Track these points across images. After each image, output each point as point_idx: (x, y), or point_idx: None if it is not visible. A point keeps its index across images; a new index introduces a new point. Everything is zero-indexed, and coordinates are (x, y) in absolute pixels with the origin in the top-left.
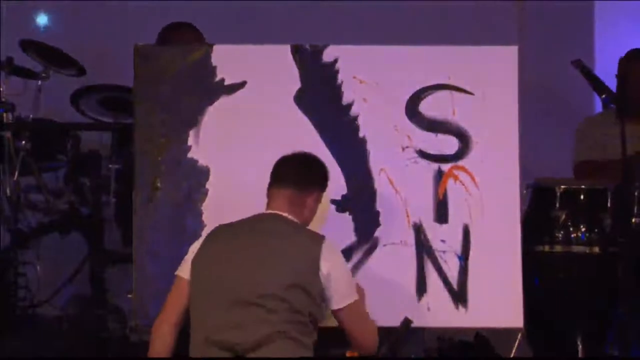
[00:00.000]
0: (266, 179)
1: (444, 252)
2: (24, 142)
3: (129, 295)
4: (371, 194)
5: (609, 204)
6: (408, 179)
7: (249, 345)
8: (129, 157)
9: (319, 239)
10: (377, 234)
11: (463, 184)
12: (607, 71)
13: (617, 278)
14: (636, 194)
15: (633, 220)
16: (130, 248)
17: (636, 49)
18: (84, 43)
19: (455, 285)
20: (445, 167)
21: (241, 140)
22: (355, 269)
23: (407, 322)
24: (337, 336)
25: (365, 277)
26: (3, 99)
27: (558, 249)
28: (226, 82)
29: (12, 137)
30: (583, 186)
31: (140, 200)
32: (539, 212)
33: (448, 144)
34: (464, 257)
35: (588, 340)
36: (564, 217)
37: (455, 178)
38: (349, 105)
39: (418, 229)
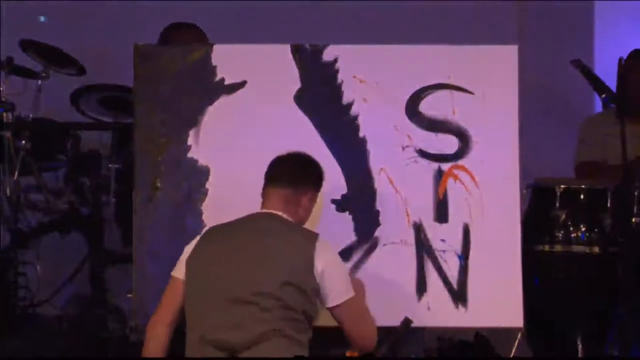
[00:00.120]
0: None
1: (444, 251)
2: (24, 141)
3: (129, 295)
4: (371, 193)
5: (609, 204)
6: (408, 179)
7: (244, 344)
8: (129, 157)
9: (312, 237)
10: (377, 233)
11: (463, 184)
12: (607, 71)
13: (617, 278)
14: (636, 194)
15: (633, 220)
16: (130, 248)
17: (638, 50)
18: (84, 43)
19: (455, 285)
20: (445, 166)
21: (241, 140)
22: (355, 268)
23: (407, 321)
24: (337, 336)
25: (365, 276)
26: (3, 99)
27: (558, 248)
28: (226, 82)
29: (12, 137)
30: (583, 186)
31: (140, 200)
32: (539, 212)
33: (448, 144)
34: (464, 256)
35: (588, 340)
36: (564, 217)
37: (455, 177)
38: (349, 105)
39: (418, 229)
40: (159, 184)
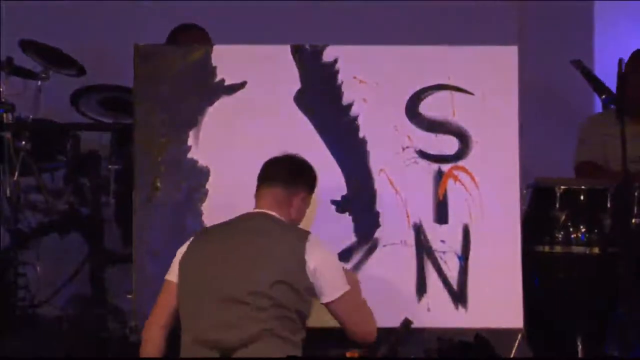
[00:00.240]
0: None
1: (444, 252)
2: (24, 142)
3: (129, 296)
4: (371, 194)
5: (608, 204)
6: (408, 180)
7: (237, 344)
8: (129, 157)
9: (304, 235)
10: (377, 234)
11: (463, 184)
12: (607, 71)
13: (617, 278)
14: (636, 194)
15: (633, 220)
16: (130, 248)
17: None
18: (84, 43)
19: (455, 286)
20: (445, 167)
21: (241, 140)
22: (355, 269)
23: (407, 322)
24: (337, 336)
25: (365, 277)
26: (3, 99)
27: (558, 249)
28: (226, 83)
29: (12, 138)
30: (583, 186)
31: (140, 200)
32: (539, 212)
33: (448, 144)
34: (463, 257)
35: (588, 340)
36: (564, 217)
37: (455, 178)
38: (349, 106)
39: (418, 230)
40: (159, 184)
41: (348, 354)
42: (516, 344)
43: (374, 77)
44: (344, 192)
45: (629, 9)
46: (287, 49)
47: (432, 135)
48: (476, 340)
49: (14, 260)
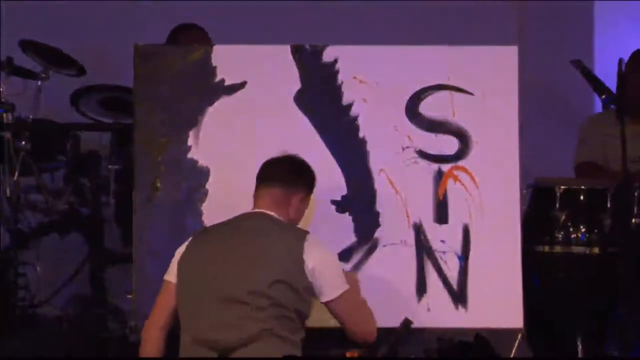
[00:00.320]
0: None
1: (444, 252)
2: (24, 142)
3: (129, 296)
4: (371, 194)
5: (608, 204)
6: (408, 180)
7: (235, 344)
8: (129, 157)
9: (302, 235)
10: (377, 234)
11: (463, 184)
12: (607, 71)
13: (617, 278)
14: (636, 194)
15: (633, 220)
16: (130, 248)
17: None
18: (84, 43)
19: (455, 286)
20: (445, 167)
21: (241, 140)
22: (355, 269)
23: (407, 322)
24: (337, 336)
25: (365, 277)
26: (3, 99)
27: (558, 249)
28: (226, 83)
29: (12, 138)
30: (583, 186)
31: (140, 200)
32: (539, 212)
33: (448, 144)
34: (463, 257)
35: (588, 340)
36: (564, 217)
37: (455, 178)
38: (349, 106)
39: (418, 230)
40: (159, 184)
41: (348, 354)
42: (516, 344)
43: (374, 77)
44: (344, 192)
45: (629, 9)
46: (287, 49)
47: (432, 135)
48: (476, 340)
49: (14, 260)
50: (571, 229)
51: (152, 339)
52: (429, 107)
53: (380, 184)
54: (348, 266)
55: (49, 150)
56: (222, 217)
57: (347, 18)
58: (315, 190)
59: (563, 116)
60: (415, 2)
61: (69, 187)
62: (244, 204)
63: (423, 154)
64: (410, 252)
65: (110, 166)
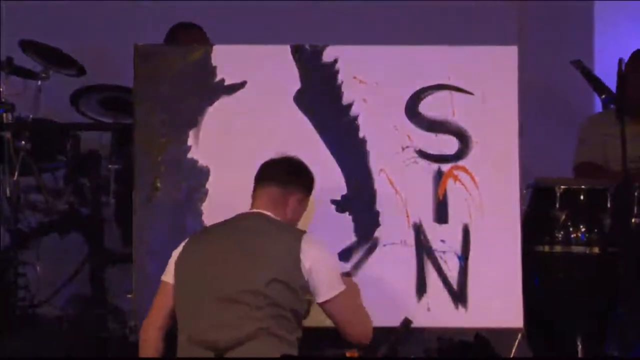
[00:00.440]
0: None
1: (443, 252)
2: (24, 142)
3: (129, 295)
4: (371, 194)
5: (608, 204)
6: (408, 179)
7: (232, 343)
8: (129, 157)
9: (299, 234)
10: (377, 234)
11: (463, 184)
12: (607, 71)
13: (617, 278)
14: (636, 194)
15: (633, 220)
16: (130, 248)
17: None
18: (84, 43)
19: (455, 286)
20: (445, 167)
21: (241, 140)
22: (355, 269)
23: (407, 322)
24: (333, 336)
25: (365, 277)
26: (3, 99)
27: (558, 249)
28: (226, 82)
29: (12, 137)
30: (583, 186)
31: (140, 200)
32: (539, 212)
33: (448, 144)
34: (463, 257)
35: (588, 340)
36: (564, 217)
37: (455, 178)
38: (349, 106)
39: (418, 229)
40: (159, 184)
41: (348, 354)
42: (516, 344)
43: (374, 77)
44: (344, 191)
45: (629, 9)
46: (287, 49)
47: (432, 135)
48: (476, 340)
49: (14, 260)
50: (571, 229)
51: (150, 340)
52: (429, 107)
53: (380, 183)
54: (348, 266)
55: (49, 150)
56: (222, 217)
57: (347, 18)
58: (315, 190)
59: (563, 116)
60: (415, 2)
61: (69, 187)
62: (244, 204)
63: (423, 154)
64: (410, 252)
65: (110, 166)
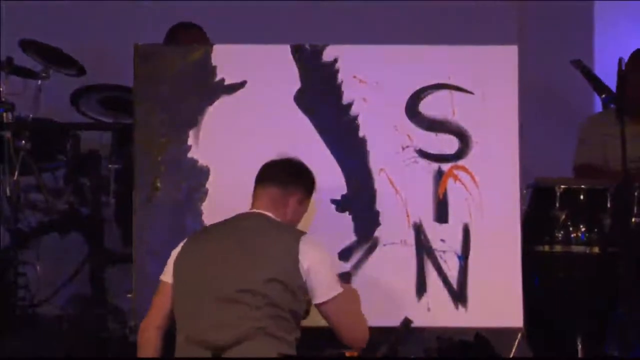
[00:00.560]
0: None
1: (443, 252)
2: (24, 142)
3: (129, 295)
4: (371, 194)
5: (608, 204)
6: (408, 179)
7: (229, 343)
8: (129, 157)
9: (298, 235)
10: (377, 233)
11: (463, 184)
12: (607, 71)
13: (617, 278)
14: (636, 194)
15: (633, 220)
16: (130, 248)
17: None
18: (84, 43)
19: (455, 285)
20: (445, 166)
21: (241, 140)
22: (355, 268)
23: (407, 322)
24: (331, 336)
25: (365, 276)
26: (3, 99)
27: (558, 249)
28: (226, 82)
29: (12, 137)
30: (583, 186)
31: (140, 200)
32: (539, 212)
33: (448, 144)
34: (463, 257)
35: (588, 340)
36: (564, 217)
37: (455, 178)
38: (349, 105)
39: (418, 229)
40: (159, 184)
41: (347, 354)
42: (516, 344)
43: (374, 76)
44: (344, 191)
45: (629, 9)
46: (287, 49)
47: (432, 135)
48: (476, 340)
49: (14, 260)
50: (571, 229)
51: (148, 340)
52: (429, 107)
53: (380, 183)
54: (348, 265)
55: (49, 149)
56: (222, 217)
57: (347, 18)
58: (315, 190)
59: (563, 116)
60: (415, 2)
61: (69, 186)
62: (244, 204)
63: (423, 154)
64: (410, 251)
65: (110, 166)
